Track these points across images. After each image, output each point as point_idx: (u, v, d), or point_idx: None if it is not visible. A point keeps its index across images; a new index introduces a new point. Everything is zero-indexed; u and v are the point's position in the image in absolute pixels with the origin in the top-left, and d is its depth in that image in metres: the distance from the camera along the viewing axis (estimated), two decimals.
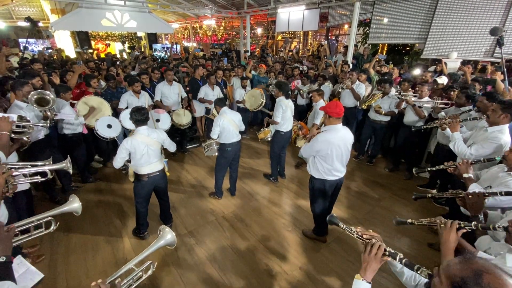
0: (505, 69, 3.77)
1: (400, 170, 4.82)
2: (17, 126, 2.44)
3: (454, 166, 2.29)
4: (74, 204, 1.68)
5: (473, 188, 2.07)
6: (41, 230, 1.62)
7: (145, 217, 3.15)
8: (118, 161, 2.81)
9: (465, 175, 2.17)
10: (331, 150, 2.63)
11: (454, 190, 1.97)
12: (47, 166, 1.96)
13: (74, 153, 4.05)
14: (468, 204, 1.76)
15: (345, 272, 2.78)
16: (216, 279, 2.69)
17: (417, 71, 5.67)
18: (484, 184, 2.14)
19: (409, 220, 1.61)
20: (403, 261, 1.10)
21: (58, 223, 1.69)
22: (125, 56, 10.81)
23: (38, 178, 1.95)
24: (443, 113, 3.62)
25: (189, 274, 2.74)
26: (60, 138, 3.94)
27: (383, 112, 4.49)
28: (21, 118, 2.60)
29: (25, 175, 1.92)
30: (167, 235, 1.41)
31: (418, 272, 1.03)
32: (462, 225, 1.37)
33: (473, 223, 1.38)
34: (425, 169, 2.83)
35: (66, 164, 2.08)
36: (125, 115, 4.07)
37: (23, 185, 2.14)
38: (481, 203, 1.72)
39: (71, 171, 2.17)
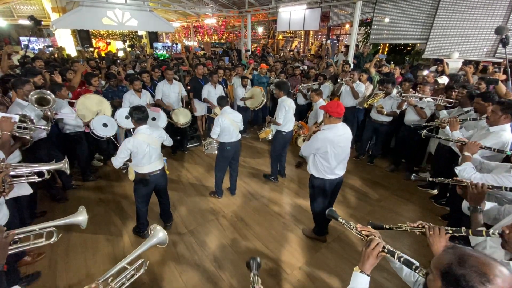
0: (509, 69, 3.74)
1: (400, 170, 4.81)
2: (18, 127, 2.45)
3: (463, 142, 2.33)
4: (79, 217, 1.61)
5: (466, 165, 2.15)
6: (41, 240, 1.55)
7: (145, 216, 3.16)
8: (118, 161, 2.79)
9: (465, 153, 2.20)
10: (331, 149, 2.62)
11: (456, 181, 1.93)
12: (44, 166, 1.95)
13: (76, 151, 4.07)
14: (469, 193, 1.73)
15: (345, 271, 2.77)
16: (216, 278, 2.69)
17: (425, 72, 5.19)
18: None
19: (386, 226, 1.49)
20: (402, 259, 1.10)
21: (61, 234, 1.64)
22: (121, 54, 10.81)
23: (35, 178, 1.94)
24: (445, 112, 3.61)
25: (189, 272, 2.75)
26: (62, 137, 3.94)
27: (385, 112, 4.48)
28: (24, 117, 2.61)
29: (22, 175, 1.92)
30: (159, 234, 1.41)
31: (416, 271, 1.04)
32: (451, 232, 1.32)
33: (463, 229, 1.31)
34: (434, 135, 2.82)
35: (64, 165, 2.07)
36: (120, 114, 4.06)
37: (27, 189, 2.14)
38: (482, 195, 1.70)
39: (68, 172, 2.14)
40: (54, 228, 1.57)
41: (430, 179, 2.05)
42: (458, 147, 2.40)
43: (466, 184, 1.77)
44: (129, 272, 1.29)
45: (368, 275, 1.18)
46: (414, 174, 2.17)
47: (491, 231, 1.29)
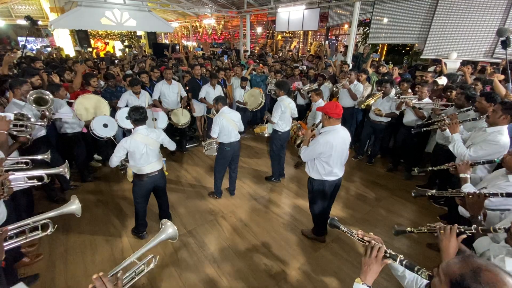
0: (510, 71, 3.73)
1: (399, 170, 4.82)
2: (15, 126, 2.44)
3: (454, 167, 2.32)
4: (72, 206, 1.62)
5: (464, 187, 2.12)
6: (38, 232, 1.56)
7: (144, 216, 3.15)
8: (114, 160, 2.78)
9: (461, 175, 2.20)
10: (334, 151, 2.61)
11: (454, 190, 1.96)
12: (44, 171, 1.95)
13: (74, 152, 4.05)
14: (468, 204, 1.75)
15: (344, 272, 2.78)
16: (215, 279, 2.69)
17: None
18: (483, 185, 2.14)
19: (408, 229, 1.56)
20: (404, 262, 1.09)
21: (56, 225, 1.65)
22: (119, 54, 10.78)
23: (35, 182, 1.95)
24: (443, 115, 3.62)
25: (188, 273, 2.74)
26: (59, 138, 3.93)
27: (384, 114, 4.48)
28: (22, 115, 2.61)
29: (22, 179, 1.92)
30: (169, 229, 1.40)
31: (419, 273, 1.03)
32: (463, 229, 1.33)
33: (473, 226, 1.33)
34: (427, 169, 2.80)
35: (64, 169, 2.07)
36: (121, 114, 4.05)
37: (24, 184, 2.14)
38: (481, 204, 1.71)
39: (68, 176, 2.15)
40: (48, 220, 1.58)
41: (430, 193, 2.06)
42: (452, 172, 2.39)
43: (463, 194, 1.80)
44: (138, 267, 1.29)
45: (370, 287, 1.15)
46: (414, 190, 2.19)
47: (497, 226, 1.32)
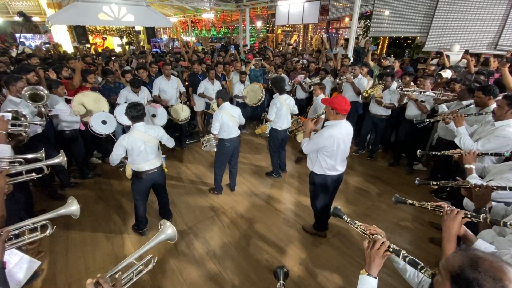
0: None
1: (401, 164, 4.79)
2: (13, 125, 2.41)
3: (459, 154, 2.26)
4: (71, 207, 1.61)
5: (471, 178, 2.07)
6: (36, 234, 1.56)
7: (144, 213, 3.14)
8: (114, 158, 2.75)
9: (466, 166, 2.15)
10: (337, 146, 2.57)
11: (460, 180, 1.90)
12: (43, 162, 1.93)
13: (72, 149, 4.03)
14: (474, 195, 1.71)
15: (345, 267, 2.77)
16: (216, 274, 2.68)
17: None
18: (489, 178, 2.10)
19: (410, 201, 1.56)
20: (407, 259, 1.07)
21: (55, 226, 1.64)
22: (118, 49, 10.69)
23: (33, 175, 1.92)
24: (444, 106, 3.55)
25: (189, 269, 2.74)
26: (57, 135, 3.90)
27: (384, 103, 4.41)
28: (17, 113, 2.57)
29: (21, 173, 1.90)
30: (168, 230, 1.39)
31: (422, 271, 1.00)
32: (469, 216, 1.30)
33: (481, 215, 1.30)
34: (430, 152, 2.76)
35: (63, 158, 2.05)
36: (120, 111, 4.01)
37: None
38: (487, 196, 1.66)
39: (66, 166, 2.13)
40: (48, 221, 1.57)
41: (434, 182, 2.01)
42: (456, 159, 2.35)
43: (470, 186, 1.75)
44: (137, 268, 1.29)
45: (376, 278, 1.14)
46: (418, 178, 2.14)
47: (509, 222, 1.27)
